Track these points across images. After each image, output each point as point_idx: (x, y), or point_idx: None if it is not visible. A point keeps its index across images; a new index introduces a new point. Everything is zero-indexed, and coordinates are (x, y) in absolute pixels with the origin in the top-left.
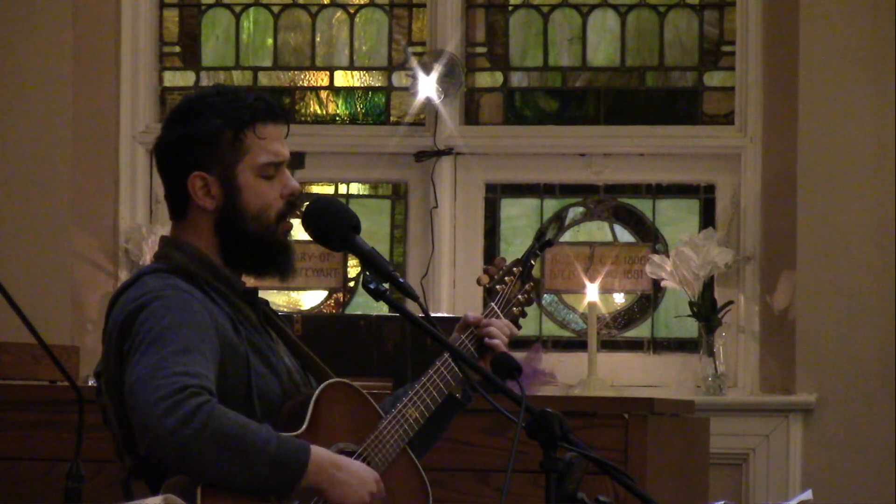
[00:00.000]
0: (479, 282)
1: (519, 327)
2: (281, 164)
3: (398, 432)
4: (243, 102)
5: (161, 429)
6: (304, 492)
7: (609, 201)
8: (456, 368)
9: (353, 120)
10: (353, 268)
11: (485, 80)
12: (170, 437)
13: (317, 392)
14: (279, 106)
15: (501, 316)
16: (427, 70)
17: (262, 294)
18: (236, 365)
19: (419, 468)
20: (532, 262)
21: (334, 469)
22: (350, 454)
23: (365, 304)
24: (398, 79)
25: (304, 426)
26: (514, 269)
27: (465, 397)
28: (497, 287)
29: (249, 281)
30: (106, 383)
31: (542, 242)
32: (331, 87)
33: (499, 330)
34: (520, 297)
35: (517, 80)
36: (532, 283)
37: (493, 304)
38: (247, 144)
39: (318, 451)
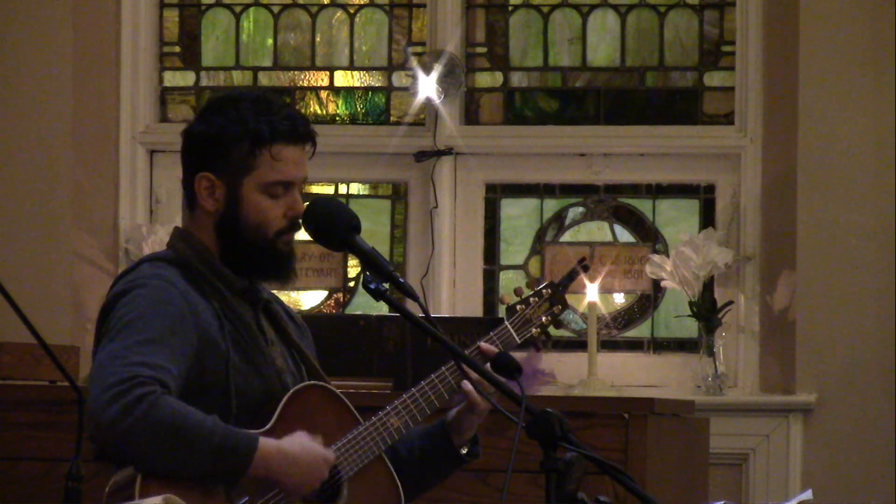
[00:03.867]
0: (501, 300)
1: (538, 348)
2: (291, 185)
3: (375, 439)
4: (270, 118)
5: (103, 417)
6: (256, 482)
7: (609, 201)
8: (451, 381)
9: (353, 120)
10: (353, 268)
11: (485, 80)
12: (110, 425)
13: (289, 393)
14: (305, 128)
15: (514, 334)
16: (427, 70)
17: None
18: (215, 360)
19: (394, 476)
20: (565, 285)
21: (283, 458)
22: None
23: (365, 304)
24: (398, 79)
25: (270, 424)
26: (544, 290)
27: (471, 454)
28: (518, 307)
29: None
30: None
31: (582, 265)
32: (331, 87)
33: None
34: (544, 318)
35: (517, 80)
36: (561, 307)
37: (507, 322)
38: (259, 160)
39: (266, 442)
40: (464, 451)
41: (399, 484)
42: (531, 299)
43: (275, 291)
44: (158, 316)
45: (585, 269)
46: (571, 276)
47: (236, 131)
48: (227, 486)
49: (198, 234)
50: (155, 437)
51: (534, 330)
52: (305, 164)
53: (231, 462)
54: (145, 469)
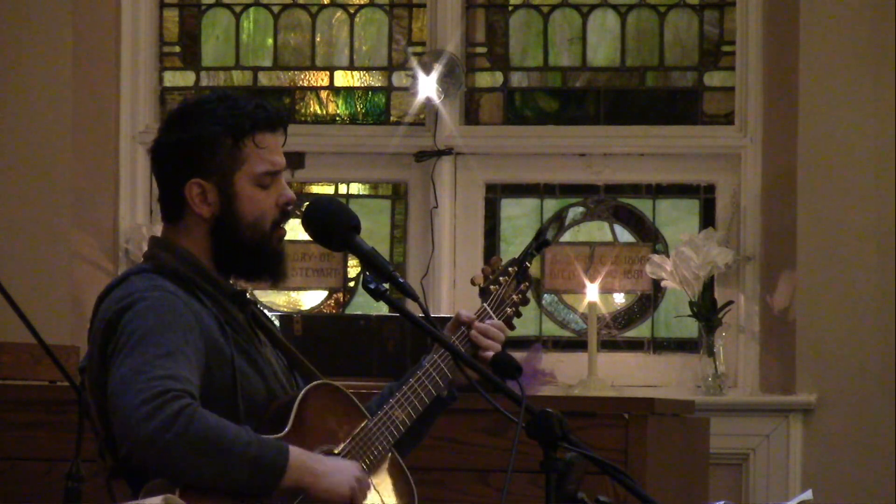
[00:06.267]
0: (473, 282)
1: (512, 327)
2: (278, 173)
3: (384, 434)
4: (243, 110)
5: (142, 433)
6: (287, 491)
7: (609, 201)
8: (445, 369)
9: (353, 120)
10: (353, 268)
11: (485, 80)
12: (150, 442)
13: (301, 393)
14: (278, 114)
15: (494, 317)
16: (427, 70)
17: (260, 295)
18: (221, 366)
19: (405, 470)
20: (528, 262)
21: (314, 466)
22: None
23: (365, 304)
24: (398, 79)
25: (288, 427)
26: (510, 268)
27: (450, 397)
28: (491, 287)
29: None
30: (89, 382)
31: (540, 242)
32: (331, 87)
33: (494, 333)
34: (514, 297)
35: (517, 80)
36: (528, 283)
37: (485, 304)
38: (245, 153)
39: (295, 452)
40: (444, 395)
41: (410, 477)
42: (501, 278)
43: (274, 291)
44: (169, 327)
45: (546, 243)
46: (531, 252)
47: (216, 130)
48: (259, 498)
49: (181, 243)
50: (195, 451)
51: (508, 309)
52: (282, 153)
53: (266, 473)
54: (183, 483)
